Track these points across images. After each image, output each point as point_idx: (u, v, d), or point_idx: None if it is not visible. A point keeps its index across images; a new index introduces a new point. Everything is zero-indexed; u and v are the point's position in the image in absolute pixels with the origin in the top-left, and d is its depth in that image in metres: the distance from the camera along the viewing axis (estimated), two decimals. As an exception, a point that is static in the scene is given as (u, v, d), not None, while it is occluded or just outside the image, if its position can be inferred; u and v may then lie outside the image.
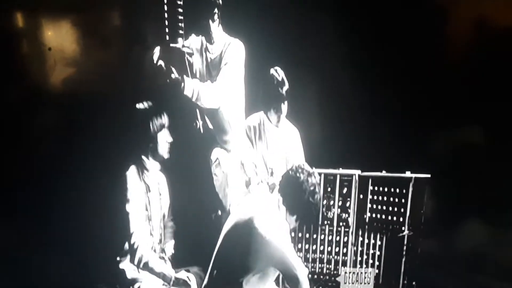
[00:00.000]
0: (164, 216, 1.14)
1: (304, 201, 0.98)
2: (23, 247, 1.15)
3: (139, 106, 1.05)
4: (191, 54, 1.10)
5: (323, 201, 1.12)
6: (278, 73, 1.07)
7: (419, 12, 1.01)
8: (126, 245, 1.07)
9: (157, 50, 1.05)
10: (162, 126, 1.06)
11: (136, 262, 1.07)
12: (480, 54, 1.03)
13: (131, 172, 1.07)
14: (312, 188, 0.98)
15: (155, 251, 1.10)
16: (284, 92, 1.08)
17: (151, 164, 1.09)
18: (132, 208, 1.06)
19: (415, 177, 1.08)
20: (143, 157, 1.08)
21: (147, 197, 1.09)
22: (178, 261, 1.13)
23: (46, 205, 1.12)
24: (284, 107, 1.10)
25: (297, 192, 0.98)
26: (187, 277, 1.07)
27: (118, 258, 1.08)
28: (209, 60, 1.11)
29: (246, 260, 0.95)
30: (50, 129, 1.11)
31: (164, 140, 1.08)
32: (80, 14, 1.05)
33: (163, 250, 1.13)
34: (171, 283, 1.07)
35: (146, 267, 1.07)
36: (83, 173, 1.08)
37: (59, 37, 1.06)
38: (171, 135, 1.08)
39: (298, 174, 0.99)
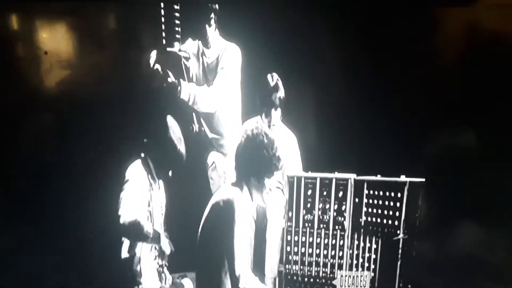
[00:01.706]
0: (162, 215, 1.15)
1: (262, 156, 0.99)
2: (21, 248, 1.14)
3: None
4: (187, 58, 1.10)
5: (319, 204, 1.13)
6: (272, 78, 1.07)
7: (412, 19, 1.01)
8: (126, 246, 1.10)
9: (153, 54, 1.06)
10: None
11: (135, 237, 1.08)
12: (473, 58, 1.04)
13: (137, 165, 1.08)
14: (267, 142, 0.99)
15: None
16: (275, 98, 1.08)
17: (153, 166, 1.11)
18: (133, 196, 1.07)
19: (410, 181, 1.09)
20: (149, 160, 1.09)
21: (150, 194, 1.10)
22: (174, 266, 1.14)
23: (46, 207, 1.11)
24: (276, 114, 1.10)
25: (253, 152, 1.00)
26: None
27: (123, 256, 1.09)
28: (205, 64, 1.12)
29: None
30: (48, 133, 1.11)
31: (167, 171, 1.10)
32: (76, 18, 1.05)
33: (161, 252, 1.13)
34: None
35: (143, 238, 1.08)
36: (83, 176, 1.08)
37: (55, 41, 1.06)
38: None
39: (252, 135, 1.02)
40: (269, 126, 1.12)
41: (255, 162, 1.02)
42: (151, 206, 1.10)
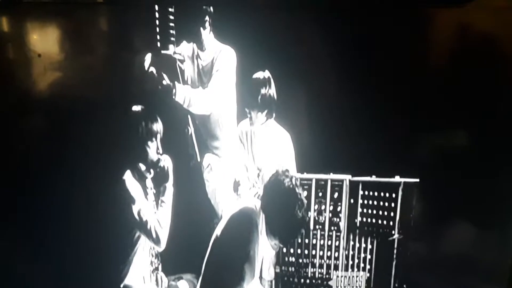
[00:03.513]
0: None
1: (289, 213, 1.01)
2: (14, 258, 1.14)
3: (135, 108, 1.06)
4: (182, 61, 1.10)
5: (314, 205, 1.14)
6: (262, 75, 1.06)
7: (405, 20, 1.02)
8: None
9: (148, 57, 1.05)
10: (153, 134, 1.07)
11: (156, 238, 1.09)
12: (465, 59, 1.05)
13: (128, 176, 1.08)
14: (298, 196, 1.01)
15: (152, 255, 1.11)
16: (262, 95, 1.08)
17: (145, 169, 1.09)
18: (139, 205, 1.07)
19: (404, 182, 1.10)
20: (139, 163, 1.08)
21: (144, 201, 1.09)
22: (171, 268, 1.14)
23: (39, 213, 1.11)
24: (261, 115, 1.10)
25: (281, 200, 1.02)
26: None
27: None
28: (200, 67, 1.11)
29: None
30: (42, 136, 1.10)
31: (153, 150, 1.09)
32: (70, 20, 1.04)
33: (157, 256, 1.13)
34: None
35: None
36: (79, 180, 1.08)
37: (49, 44, 1.05)
38: (163, 144, 1.08)
39: (282, 179, 1.03)
40: (250, 123, 1.12)
41: (280, 223, 1.06)
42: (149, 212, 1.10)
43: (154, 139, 1.07)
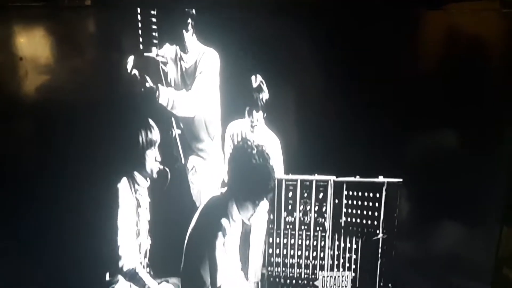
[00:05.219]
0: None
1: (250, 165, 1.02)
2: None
3: (129, 117, 1.05)
4: (165, 63, 1.10)
5: (300, 206, 1.14)
6: (255, 79, 1.06)
7: (392, 21, 1.03)
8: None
9: (131, 60, 1.05)
10: (151, 143, 1.06)
11: (123, 274, 1.08)
12: (447, 61, 1.06)
13: (123, 185, 1.07)
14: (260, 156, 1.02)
15: (144, 266, 1.11)
16: (257, 99, 1.08)
17: (141, 179, 1.09)
18: (122, 223, 1.06)
19: (388, 182, 1.11)
20: (135, 172, 1.08)
21: (137, 213, 1.08)
22: (157, 272, 1.13)
23: (30, 219, 1.10)
24: (258, 115, 1.10)
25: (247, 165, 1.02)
26: None
27: (108, 278, 1.08)
28: (183, 69, 1.11)
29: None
30: (28, 142, 1.10)
31: (152, 158, 1.08)
32: (52, 23, 1.03)
33: (147, 265, 1.13)
34: None
35: (133, 279, 1.07)
36: (69, 186, 1.07)
37: (31, 47, 1.04)
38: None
39: (245, 147, 1.05)
40: (251, 126, 1.13)
41: (248, 184, 1.06)
42: (139, 225, 1.09)
43: (153, 148, 1.07)
